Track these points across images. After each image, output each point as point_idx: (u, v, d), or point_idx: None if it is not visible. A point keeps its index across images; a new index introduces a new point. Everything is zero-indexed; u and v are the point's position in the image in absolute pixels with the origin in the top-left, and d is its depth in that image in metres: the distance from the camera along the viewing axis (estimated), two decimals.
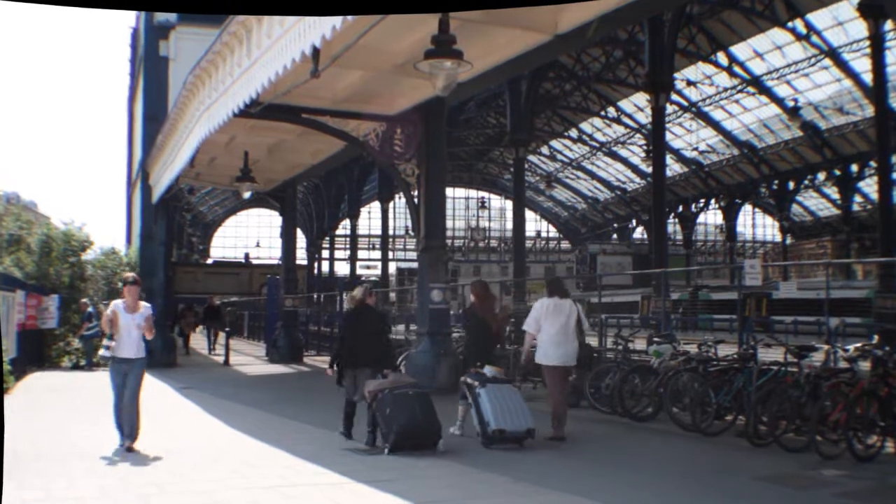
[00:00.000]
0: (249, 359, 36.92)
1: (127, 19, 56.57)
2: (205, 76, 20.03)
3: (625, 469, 12.18)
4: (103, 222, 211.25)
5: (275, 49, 14.60)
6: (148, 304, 13.85)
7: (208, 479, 10.97)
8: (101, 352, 13.68)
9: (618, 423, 16.81)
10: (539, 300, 15.40)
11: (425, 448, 12.83)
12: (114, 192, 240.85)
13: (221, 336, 37.64)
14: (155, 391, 19.56)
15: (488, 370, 14.38)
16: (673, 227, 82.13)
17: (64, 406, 18.98)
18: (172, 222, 39.51)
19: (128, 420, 13.27)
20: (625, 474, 11.81)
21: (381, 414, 13.02)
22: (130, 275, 14.35)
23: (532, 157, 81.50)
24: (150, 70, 34.15)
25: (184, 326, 41.37)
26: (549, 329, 14.68)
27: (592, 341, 23.49)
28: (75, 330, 31.20)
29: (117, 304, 13.58)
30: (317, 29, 13.30)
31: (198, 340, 42.67)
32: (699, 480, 11.49)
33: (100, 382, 24.69)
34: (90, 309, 29.73)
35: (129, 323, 13.33)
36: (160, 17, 32.88)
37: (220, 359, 34.27)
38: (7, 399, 20.21)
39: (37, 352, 29.58)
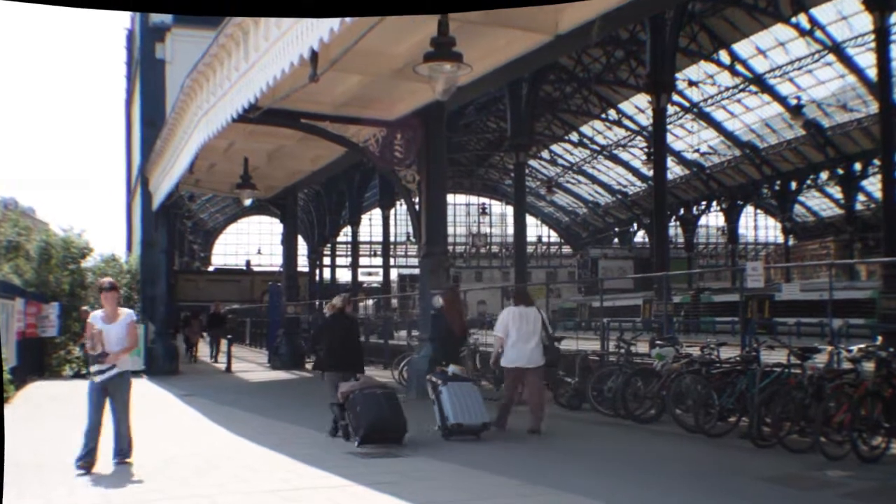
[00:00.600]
0: (251, 366, 36.90)
1: (122, 20, 56.36)
2: (202, 80, 20.00)
3: (628, 469, 12.18)
4: (103, 229, 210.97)
5: (272, 52, 14.59)
6: (130, 311, 12.61)
7: (210, 485, 10.97)
8: (97, 378, 12.03)
9: (621, 424, 16.82)
10: (506, 308, 17.12)
11: (391, 441, 13.93)
12: (113, 198, 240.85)
13: (223, 343, 37.56)
14: (157, 398, 19.59)
15: (452, 369, 15.96)
16: (674, 230, 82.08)
17: (65, 415, 18.92)
18: (173, 229, 39.61)
19: (120, 438, 12.24)
20: (628, 474, 11.80)
21: (352, 412, 14.14)
22: (107, 280, 12.88)
23: (532, 162, 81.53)
24: (146, 73, 34.02)
25: (189, 334, 41.30)
26: (514, 334, 15.97)
27: (594, 345, 23.61)
28: (76, 338, 31.15)
29: (95, 316, 12.30)
30: (314, 32, 13.29)
31: (200, 348, 42.58)
32: (703, 481, 11.48)
33: None
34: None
35: (109, 335, 12.03)
36: (155, 18, 32.68)
37: (223, 366, 34.27)
38: (7, 408, 20.23)
39: (37, 361, 29.53)
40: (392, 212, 75.88)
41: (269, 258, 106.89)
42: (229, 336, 36.28)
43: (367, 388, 14.38)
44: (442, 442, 14.64)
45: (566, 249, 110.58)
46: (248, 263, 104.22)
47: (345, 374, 14.97)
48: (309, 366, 33.83)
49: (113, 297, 12.24)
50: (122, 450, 12.22)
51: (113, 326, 12.05)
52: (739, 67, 56.15)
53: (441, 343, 17.65)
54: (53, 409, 20.32)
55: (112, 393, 12.05)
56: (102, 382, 11.97)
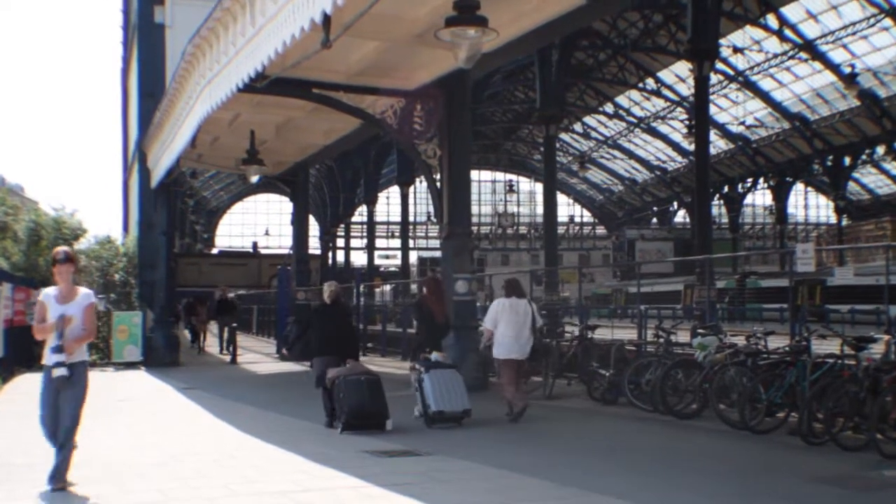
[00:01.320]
0: (258, 356, 37.00)
1: None
2: (205, 46, 19.93)
3: (667, 468, 12.15)
4: (97, 208, 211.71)
5: (281, 16, 14.50)
6: (88, 291, 11.24)
7: (214, 486, 10.98)
8: (56, 372, 10.45)
9: (659, 420, 16.82)
10: (497, 300, 17.86)
11: (373, 427, 15.09)
12: (108, 175, 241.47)
13: (225, 332, 37.43)
14: (155, 392, 19.63)
15: (435, 356, 16.98)
16: (718, 209, 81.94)
17: None
18: (174, 209, 39.60)
19: (61, 451, 10.67)
20: (667, 474, 11.78)
21: (336, 398, 15.47)
22: (61, 249, 11.21)
23: (564, 136, 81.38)
24: (144, 39, 33.85)
25: (196, 323, 41.03)
26: (504, 326, 17.06)
27: (631, 334, 23.59)
28: None
29: (47, 293, 11.02)
30: None
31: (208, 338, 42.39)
32: (748, 481, 11.45)
33: (96, 384, 24.85)
34: None
35: (56, 313, 10.66)
36: None
37: (227, 357, 34.34)
38: None
39: (26, 351, 29.57)
40: (411, 189, 75.59)
41: (278, 240, 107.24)
42: (234, 324, 36.22)
43: (351, 375, 15.52)
44: (427, 430, 15.71)
45: (600, 230, 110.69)
46: (254, 245, 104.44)
47: (337, 360, 16.08)
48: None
49: (67, 271, 10.85)
50: (57, 467, 10.64)
51: (66, 307, 10.67)
52: (788, 32, 55.82)
53: (423, 330, 18.29)
54: None
55: (58, 387, 10.54)
56: (45, 368, 10.67)
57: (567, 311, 37.33)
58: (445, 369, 16.52)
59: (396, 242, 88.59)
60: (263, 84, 19.44)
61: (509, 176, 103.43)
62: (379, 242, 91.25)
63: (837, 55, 57.14)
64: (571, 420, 17.60)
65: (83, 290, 11.01)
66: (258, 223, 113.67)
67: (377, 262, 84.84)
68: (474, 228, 30.91)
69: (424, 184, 32.36)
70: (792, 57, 58.38)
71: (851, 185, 78.28)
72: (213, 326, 42.40)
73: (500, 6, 16.32)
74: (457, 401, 16.02)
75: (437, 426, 15.79)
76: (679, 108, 68.06)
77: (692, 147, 50.26)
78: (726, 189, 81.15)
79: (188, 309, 42.83)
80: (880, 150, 69.13)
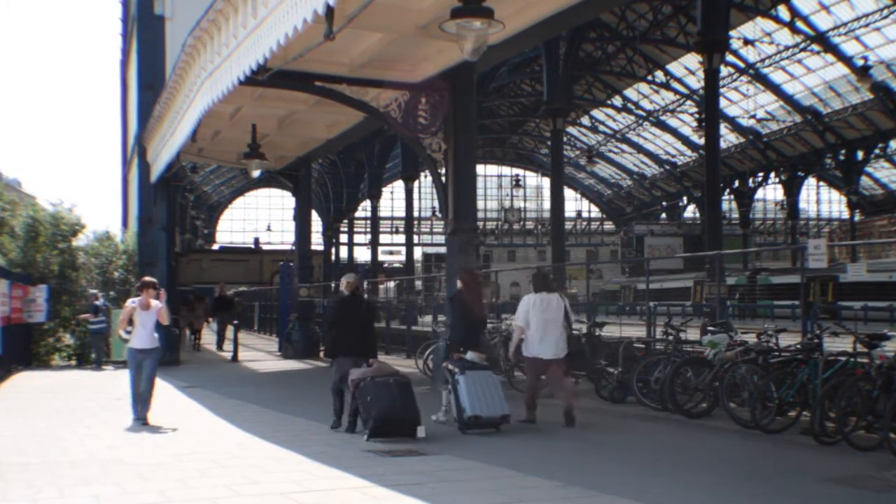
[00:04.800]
0: (260, 354, 37.01)
1: None
2: (206, 38, 19.89)
3: (676, 468, 12.13)
4: (96, 203, 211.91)
5: (283, 7, 14.46)
6: (157, 302, 16.92)
7: (215, 485, 10.96)
8: (121, 333, 17.28)
9: (669, 419, 16.83)
10: (526, 296, 17.19)
11: (404, 434, 14.32)
12: (107, 170, 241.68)
13: (229, 330, 37.42)
14: (156, 391, 19.58)
15: (471, 356, 16.24)
16: (728, 204, 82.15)
17: (54, 409, 19.01)
18: (174, 204, 39.48)
19: (144, 401, 16.50)
20: (676, 474, 11.76)
21: (362, 401, 14.54)
22: (149, 279, 17.51)
23: (571, 129, 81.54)
24: (144, 31, 33.79)
25: (193, 320, 40.96)
26: (536, 324, 16.51)
27: (640, 332, 23.57)
28: (66, 324, 31.22)
29: (133, 301, 16.88)
30: None
31: (205, 335, 42.42)
32: (759, 482, 11.44)
33: (93, 382, 24.95)
34: (99, 301, 29.60)
35: (143, 318, 16.58)
36: None
37: (228, 355, 34.35)
38: None
39: (23, 349, 29.60)
40: (416, 184, 75.70)
41: (280, 235, 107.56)
42: (235, 322, 36.21)
43: (379, 376, 14.72)
44: (461, 436, 14.93)
45: (608, 226, 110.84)
46: (256, 241, 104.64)
47: (357, 360, 15.34)
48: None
49: (149, 292, 16.77)
50: (144, 411, 16.53)
51: (147, 312, 16.63)
52: (800, 24, 55.87)
53: (458, 328, 17.58)
54: (41, 402, 20.39)
55: (142, 363, 16.51)
56: (132, 352, 16.65)
57: (574, 308, 37.29)
58: (482, 371, 15.88)
59: (401, 238, 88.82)
60: (265, 77, 19.40)
61: (516, 170, 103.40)
62: (383, 238, 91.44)
63: (850, 47, 57.23)
64: (579, 419, 17.61)
65: (155, 302, 16.81)
66: (260, 218, 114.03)
67: (381, 258, 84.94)
68: (480, 224, 31.07)
69: (429, 178, 32.36)
70: (804, 49, 58.46)
71: (864, 180, 78.35)
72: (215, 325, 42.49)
73: None
74: (494, 405, 15.34)
75: (472, 432, 15.10)
76: (689, 102, 68.17)
77: (702, 141, 50.22)
78: (737, 184, 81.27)
79: (187, 306, 42.77)
80: (894, 144, 69.20)
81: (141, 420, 16.32)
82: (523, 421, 16.28)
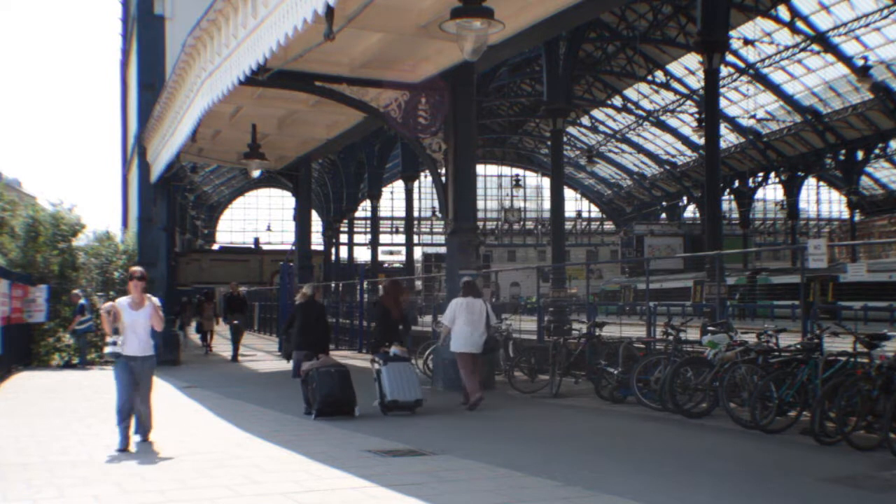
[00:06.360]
0: (260, 354, 36.99)
1: None
2: (206, 38, 19.91)
3: (676, 468, 12.12)
4: (96, 203, 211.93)
5: (283, 7, 14.46)
6: (155, 298, 14.64)
7: (216, 486, 10.98)
8: (108, 349, 14.18)
9: (668, 419, 16.82)
10: (454, 299, 19.79)
11: (343, 414, 17.22)
12: (107, 170, 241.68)
13: (243, 335, 36.88)
14: (156, 391, 19.59)
15: (394, 350, 18.51)
16: (728, 204, 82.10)
17: (54, 408, 19.02)
18: (174, 204, 39.51)
19: (142, 420, 14.34)
20: (676, 474, 11.76)
21: (309, 387, 17.64)
22: (137, 269, 14.88)
23: (571, 129, 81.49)
24: (144, 31, 33.83)
25: (203, 321, 39.94)
26: (461, 323, 19.23)
27: (640, 331, 23.61)
28: (66, 324, 31.19)
29: (121, 301, 14.31)
30: None
31: (218, 341, 41.66)
32: (759, 481, 11.44)
33: (93, 382, 24.94)
34: (82, 301, 29.59)
35: (134, 320, 14.10)
36: None
37: (228, 354, 34.32)
38: None
39: (23, 349, 29.59)
40: (416, 184, 75.40)
41: (280, 235, 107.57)
42: (236, 322, 36.12)
43: (323, 367, 17.59)
44: (387, 418, 17.43)
45: (608, 226, 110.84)
46: (256, 241, 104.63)
47: (309, 355, 18.54)
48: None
49: (140, 286, 14.31)
50: (143, 431, 14.38)
51: (138, 312, 14.15)
52: (800, 24, 55.78)
53: (379, 326, 19.82)
54: (42, 401, 20.42)
55: (134, 374, 14.26)
56: (121, 359, 14.15)
57: (574, 308, 37.29)
58: (401, 362, 18.20)
59: (401, 238, 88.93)
60: (265, 77, 19.44)
61: (516, 170, 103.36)
62: (383, 238, 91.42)
63: (850, 47, 57.15)
64: (579, 419, 17.60)
65: (150, 298, 14.44)
66: (260, 218, 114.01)
67: (381, 257, 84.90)
68: (480, 224, 30.90)
69: (429, 178, 32.34)
70: (804, 49, 58.34)
71: (864, 180, 78.27)
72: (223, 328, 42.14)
73: None
74: (410, 391, 17.78)
75: (391, 414, 17.62)
76: (689, 102, 68.01)
77: (702, 141, 50.11)
78: (737, 184, 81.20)
79: (196, 306, 42.42)
80: (894, 144, 69.14)
81: (143, 440, 14.31)
82: (465, 405, 18.91)
